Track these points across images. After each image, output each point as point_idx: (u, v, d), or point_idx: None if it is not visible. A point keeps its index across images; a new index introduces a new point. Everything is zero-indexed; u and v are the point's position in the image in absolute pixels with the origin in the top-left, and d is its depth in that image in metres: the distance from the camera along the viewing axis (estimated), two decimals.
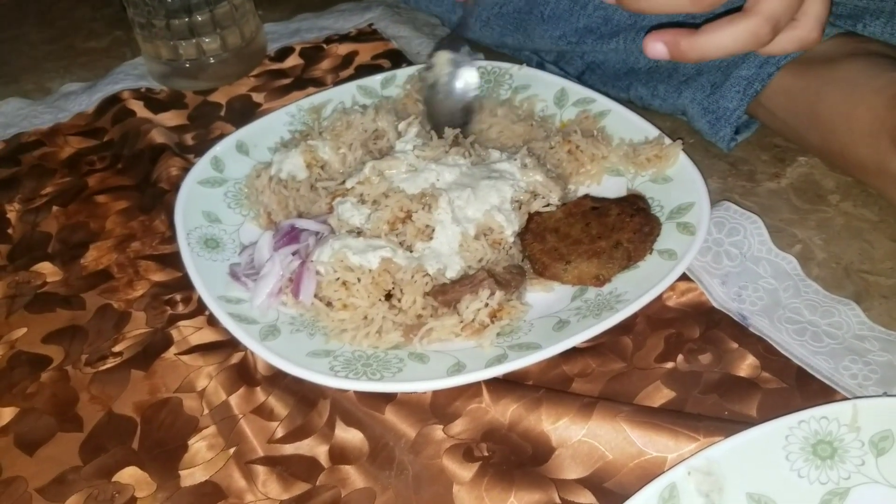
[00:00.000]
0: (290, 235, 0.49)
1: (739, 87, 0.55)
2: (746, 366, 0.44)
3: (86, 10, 0.88)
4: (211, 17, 0.69)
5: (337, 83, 0.70)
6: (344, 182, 0.53)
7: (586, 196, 0.52)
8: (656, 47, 0.47)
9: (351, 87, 0.65)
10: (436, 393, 0.44)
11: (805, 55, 0.54)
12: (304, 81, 0.72)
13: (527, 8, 0.61)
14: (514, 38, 0.63)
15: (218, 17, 0.69)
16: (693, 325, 0.46)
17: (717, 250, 0.50)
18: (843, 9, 0.56)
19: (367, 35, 0.78)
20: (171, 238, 0.54)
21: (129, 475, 0.42)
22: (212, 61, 0.71)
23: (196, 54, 0.70)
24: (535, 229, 0.50)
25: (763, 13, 0.45)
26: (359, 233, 0.50)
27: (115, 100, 0.71)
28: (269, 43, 0.77)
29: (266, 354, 0.44)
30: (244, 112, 0.69)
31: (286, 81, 0.72)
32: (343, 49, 0.76)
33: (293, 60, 0.75)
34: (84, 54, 0.81)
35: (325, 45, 0.76)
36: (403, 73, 0.65)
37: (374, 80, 0.65)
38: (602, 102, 0.60)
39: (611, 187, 0.55)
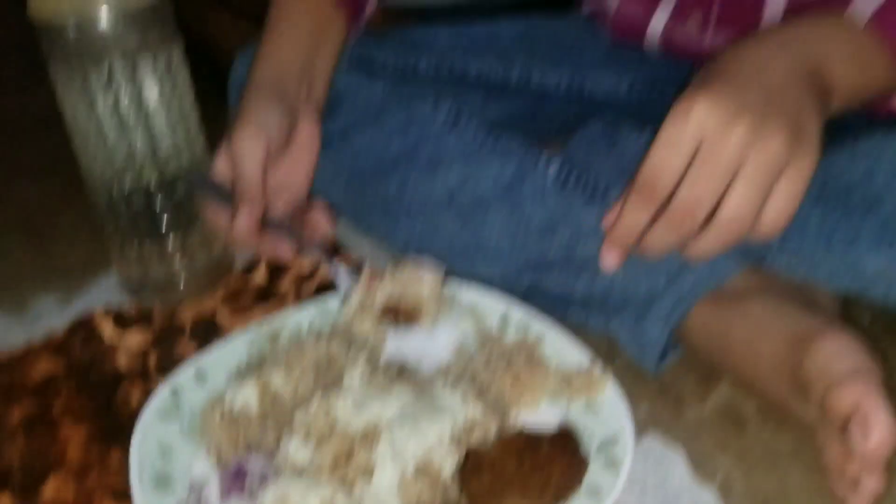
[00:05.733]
0: (237, 476, 0.52)
1: (660, 320, 0.60)
2: None
3: (67, 219, 0.94)
4: (183, 239, 0.74)
5: (298, 299, 0.75)
6: (292, 416, 0.56)
7: (521, 431, 0.55)
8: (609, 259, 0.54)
9: (308, 308, 0.69)
10: None
11: (718, 290, 0.59)
12: (267, 296, 0.77)
13: (471, 245, 0.67)
14: (461, 271, 0.68)
15: (189, 239, 0.74)
16: None
17: (643, 485, 0.53)
18: (750, 245, 0.62)
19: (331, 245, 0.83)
20: (128, 471, 0.57)
21: None
22: (182, 279, 0.75)
23: (167, 274, 0.75)
24: (472, 466, 0.53)
25: (673, 205, 0.50)
26: (303, 471, 0.52)
27: (86, 319, 0.75)
28: (238, 256, 0.82)
29: None
30: (208, 329, 0.73)
31: (250, 296, 0.77)
32: (306, 262, 0.81)
33: (259, 274, 0.80)
34: (62, 266, 0.85)
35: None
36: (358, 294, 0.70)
37: (331, 302, 0.70)
38: (541, 327, 0.64)
39: (547, 415, 0.59)
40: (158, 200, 0.72)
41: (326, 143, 0.73)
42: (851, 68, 0.54)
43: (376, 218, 0.73)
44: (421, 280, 0.64)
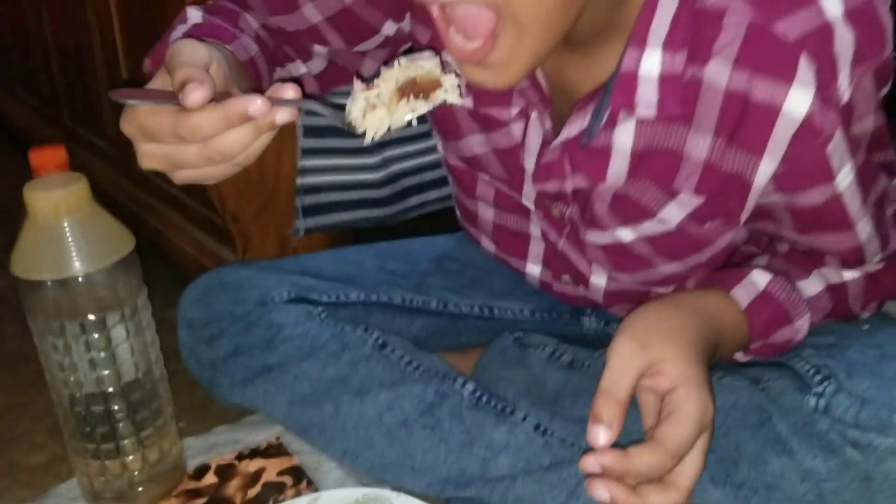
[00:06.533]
0: None
1: None
2: None
3: (27, 422, 1.01)
4: (141, 455, 0.83)
5: (244, 501, 0.83)
6: None
7: None
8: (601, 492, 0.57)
9: None
10: None
11: None
12: (217, 501, 0.85)
13: (399, 460, 0.78)
14: (391, 482, 0.78)
15: (147, 455, 0.83)
16: None
17: None
18: None
19: (274, 449, 0.92)
20: None
21: None
22: (140, 490, 0.83)
23: (126, 485, 0.83)
24: None
25: (683, 483, 0.58)
26: None
27: None
28: (189, 459, 0.90)
29: None
30: None
31: (201, 501, 0.85)
32: (252, 466, 0.89)
33: (209, 478, 0.88)
34: (24, 471, 0.92)
35: (237, 462, 0.90)
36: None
37: None
38: None
39: None
40: (119, 417, 0.80)
41: (266, 371, 0.83)
42: (735, 334, 0.69)
43: (315, 433, 0.83)
44: (427, 60, 0.60)
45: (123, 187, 1.37)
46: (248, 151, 0.56)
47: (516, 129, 0.77)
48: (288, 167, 1.02)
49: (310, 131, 1.02)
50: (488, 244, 0.95)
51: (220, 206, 1.02)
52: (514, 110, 0.76)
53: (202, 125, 0.53)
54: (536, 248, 0.90)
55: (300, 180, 1.02)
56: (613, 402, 0.58)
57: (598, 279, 0.84)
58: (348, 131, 0.59)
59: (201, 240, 1.19)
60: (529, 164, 0.78)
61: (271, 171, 1.01)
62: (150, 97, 0.57)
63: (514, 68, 0.60)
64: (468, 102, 0.78)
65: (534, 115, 0.74)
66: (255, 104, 0.53)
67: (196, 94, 0.52)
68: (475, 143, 0.82)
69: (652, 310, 0.64)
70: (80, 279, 0.74)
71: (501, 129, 0.78)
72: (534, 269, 0.91)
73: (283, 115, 0.55)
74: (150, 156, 0.58)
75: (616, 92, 0.65)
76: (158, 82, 0.60)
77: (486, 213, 0.90)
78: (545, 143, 0.75)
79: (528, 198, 0.83)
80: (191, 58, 0.57)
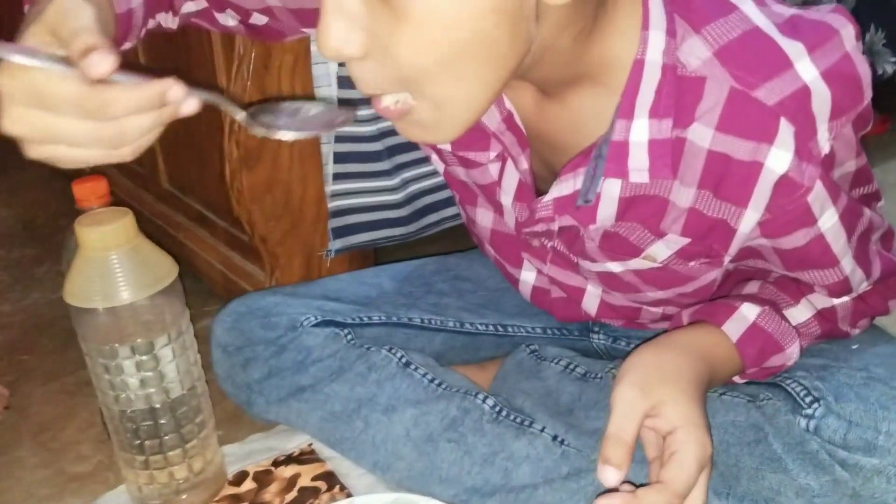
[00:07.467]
0: None
1: None
2: None
3: (73, 431, 1.07)
4: (187, 465, 0.89)
5: None
6: None
7: None
8: None
9: None
10: None
11: None
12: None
13: (427, 471, 0.84)
14: (419, 491, 0.85)
15: (192, 465, 0.90)
16: None
17: None
18: None
19: (307, 455, 0.98)
20: None
21: None
22: (184, 497, 0.90)
23: (172, 493, 0.90)
24: None
25: (674, 489, 0.62)
26: None
27: None
28: (228, 466, 0.97)
29: None
30: None
31: None
32: (288, 472, 0.96)
33: (248, 484, 0.95)
34: (73, 479, 0.99)
35: (273, 469, 0.97)
36: None
37: None
38: None
39: None
40: (167, 431, 0.87)
41: (299, 392, 0.90)
42: (728, 365, 0.76)
43: (346, 447, 0.90)
44: None
45: (149, 204, 1.43)
46: (140, 141, 0.51)
47: (493, 168, 0.81)
48: (312, 192, 1.08)
49: (336, 157, 1.08)
50: (489, 249, 0.99)
51: (250, 229, 1.08)
52: (493, 154, 0.79)
53: (115, 103, 0.48)
54: None
55: (330, 204, 1.08)
56: (621, 445, 0.63)
57: (592, 291, 0.89)
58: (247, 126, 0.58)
59: (226, 254, 1.25)
60: (506, 200, 0.83)
61: (297, 196, 1.07)
62: (38, 57, 0.49)
63: (444, 130, 0.63)
64: (446, 146, 0.82)
65: (516, 156, 0.77)
66: (175, 91, 0.50)
67: (105, 65, 0.47)
68: (459, 173, 0.87)
69: (649, 354, 0.70)
70: (128, 306, 0.81)
71: (479, 167, 0.83)
72: (528, 276, 0.95)
73: (190, 106, 0.52)
74: (22, 122, 0.49)
75: (609, 161, 0.68)
76: (35, 39, 0.51)
77: (485, 219, 0.94)
78: (522, 184, 0.79)
79: (507, 226, 0.88)
80: (87, 21, 0.52)
